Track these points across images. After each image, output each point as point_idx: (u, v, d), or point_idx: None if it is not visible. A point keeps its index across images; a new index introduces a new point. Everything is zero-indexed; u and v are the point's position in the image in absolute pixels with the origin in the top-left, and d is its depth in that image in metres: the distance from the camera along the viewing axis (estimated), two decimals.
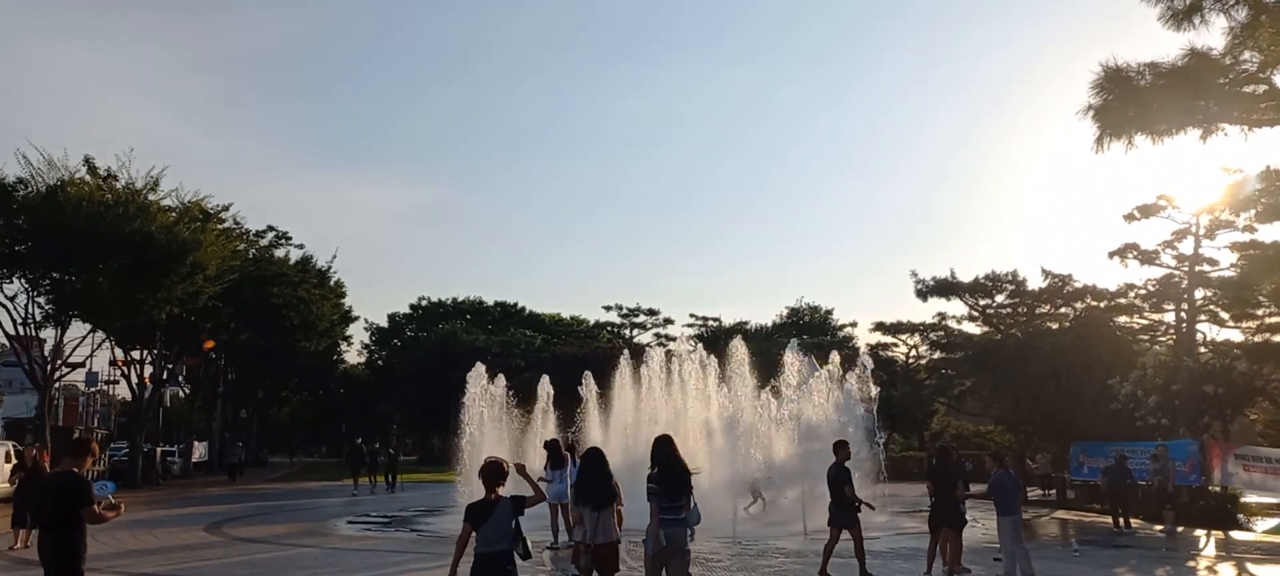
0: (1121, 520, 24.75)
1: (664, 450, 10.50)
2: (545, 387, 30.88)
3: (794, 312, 79.46)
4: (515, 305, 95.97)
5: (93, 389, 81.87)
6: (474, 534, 8.05)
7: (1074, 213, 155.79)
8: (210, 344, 49.67)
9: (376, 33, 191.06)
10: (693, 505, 10.61)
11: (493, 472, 8.40)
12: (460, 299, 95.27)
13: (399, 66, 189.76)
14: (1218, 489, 27.41)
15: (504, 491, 8.41)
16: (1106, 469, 26.00)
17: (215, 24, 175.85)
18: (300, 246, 61.56)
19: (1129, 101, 12.53)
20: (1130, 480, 25.14)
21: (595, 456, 11.20)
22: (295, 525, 25.44)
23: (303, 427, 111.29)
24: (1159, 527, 24.25)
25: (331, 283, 66.13)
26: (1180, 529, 23.89)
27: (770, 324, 76.82)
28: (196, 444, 59.70)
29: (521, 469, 9.16)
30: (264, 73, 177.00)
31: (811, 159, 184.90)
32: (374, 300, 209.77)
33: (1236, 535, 24.02)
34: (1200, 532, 23.94)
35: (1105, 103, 12.82)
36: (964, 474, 18.21)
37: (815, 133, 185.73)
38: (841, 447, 15.46)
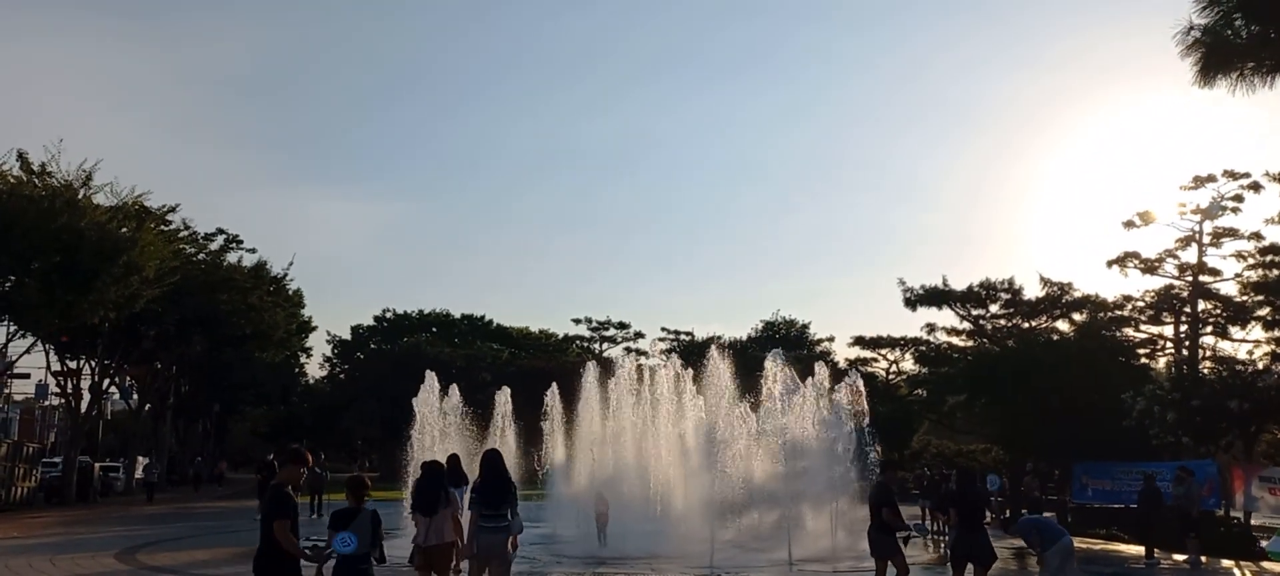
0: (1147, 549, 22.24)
1: (488, 463, 11.48)
2: (504, 400, 28.47)
3: (769, 326, 76.85)
4: (483, 318, 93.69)
5: (44, 402, 78.57)
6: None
7: (1070, 223, 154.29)
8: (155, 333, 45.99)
9: (343, 46, 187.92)
10: (516, 514, 11.55)
11: (356, 486, 9.25)
12: (427, 311, 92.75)
13: (365, 80, 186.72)
14: (1239, 515, 25.13)
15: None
16: (1142, 492, 23.20)
17: (189, 36, 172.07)
18: (253, 250, 57.83)
19: (1251, 10, 10.01)
20: (1161, 504, 22.62)
21: (429, 468, 12.56)
22: (221, 550, 22.65)
23: (263, 442, 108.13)
24: (1181, 557, 21.91)
25: (290, 292, 63.19)
26: (1204, 559, 21.60)
27: (745, 337, 74.28)
28: (141, 459, 56.29)
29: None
30: (230, 85, 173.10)
31: (783, 174, 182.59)
32: (342, 314, 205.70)
33: (1268, 565, 21.75)
34: (1228, 563, 21.65)
35: (1216, 21, 10.29)
36: (987, 500, 15.84)
37: (786, 149, 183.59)
38: (887, 466, 14.39)
